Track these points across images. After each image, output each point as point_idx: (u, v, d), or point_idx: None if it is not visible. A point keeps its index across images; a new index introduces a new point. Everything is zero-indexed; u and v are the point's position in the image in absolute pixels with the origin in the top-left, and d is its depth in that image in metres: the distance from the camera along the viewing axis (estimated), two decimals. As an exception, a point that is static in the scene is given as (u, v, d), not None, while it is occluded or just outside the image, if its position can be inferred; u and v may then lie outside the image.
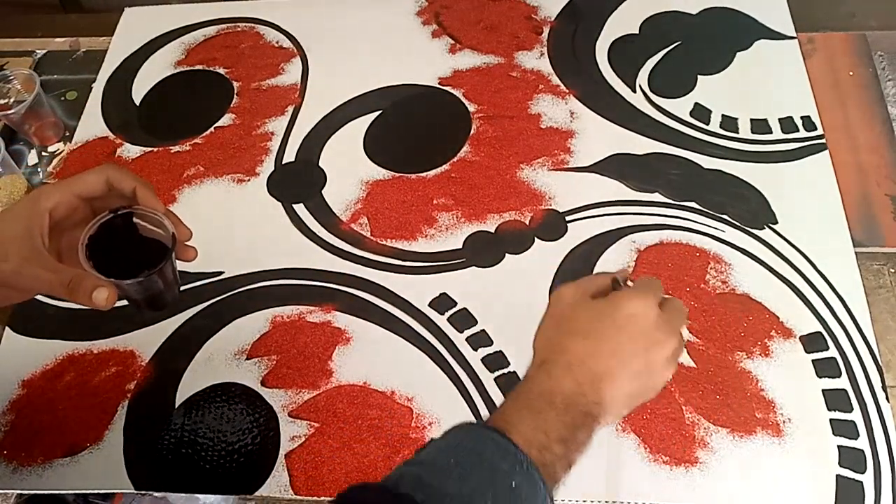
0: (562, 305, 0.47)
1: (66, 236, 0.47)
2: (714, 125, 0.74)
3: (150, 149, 0.79)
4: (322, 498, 0.57)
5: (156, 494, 0.59)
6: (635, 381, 0.44)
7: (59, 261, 0.45)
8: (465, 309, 0.64)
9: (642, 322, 0.44)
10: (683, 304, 0.46)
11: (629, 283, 0.49)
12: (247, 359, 0.64)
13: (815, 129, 0.73)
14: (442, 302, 0.65)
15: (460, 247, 0.68)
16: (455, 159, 0.74)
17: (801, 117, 0.74)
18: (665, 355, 0.44)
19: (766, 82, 0.77)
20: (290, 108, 0.81)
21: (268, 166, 0.76)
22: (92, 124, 0.82)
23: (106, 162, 0.77)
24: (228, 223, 0.72)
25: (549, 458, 0.40)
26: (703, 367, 0.60)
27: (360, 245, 0.69)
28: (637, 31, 0.83)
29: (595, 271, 0.66)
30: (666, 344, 0.44)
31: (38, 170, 0.79)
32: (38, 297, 0.66)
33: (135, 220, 0.48)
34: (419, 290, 0.66)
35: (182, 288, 0.67)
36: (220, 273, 0.69)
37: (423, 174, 0.74)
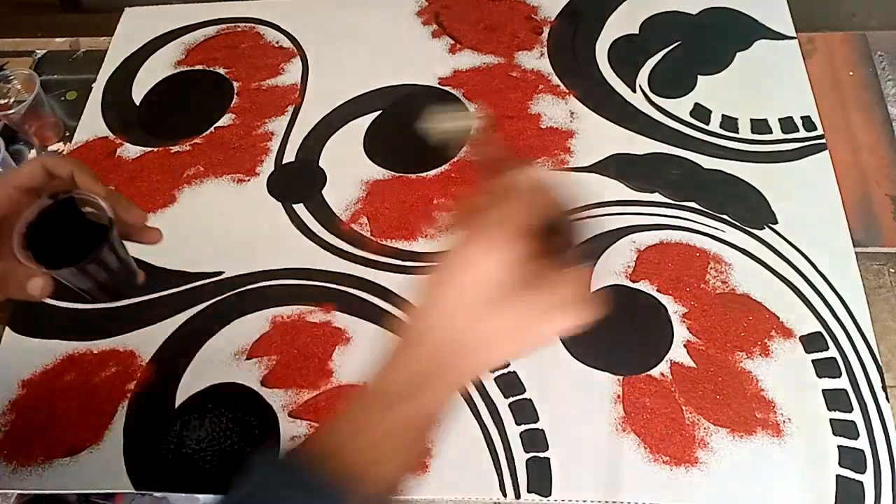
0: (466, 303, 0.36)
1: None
2: (714, 125, 0.74)
3: (150, 149, 0.79)
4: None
5: (156, 494, 0.59)
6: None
7: (6, 259, 0.42)
8: (465, 309, 0.64)
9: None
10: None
11: None
12: (247, 359, 0.64)
13: (815, 129, 0.73)
14: (442, 302, 0.65)
15: (460, 247, 0.68)
16: (455, 159, 0.74)
17: (801, 117, 0.74)
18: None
19: (766, 82, 0.77)
20: (291, 108, 0.81)
21: (268, 166, 0.76)
22: (92, 124, 0.81)
23: (104, 162, 0.77)
24: (228, 223, 0.72)
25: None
26: (703, 367, 0.60)
27: (361, 245, 0.69)
28: (637, 32, 0.83)
29: (595, 271, 0.66)
30: None
31: (38, 170, 0.79)
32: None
33: (79, 206, 0.44)
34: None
35: (182, 288, 0.67)
36: (221, 273, 0.69)
37: (424, 174, 0.74)
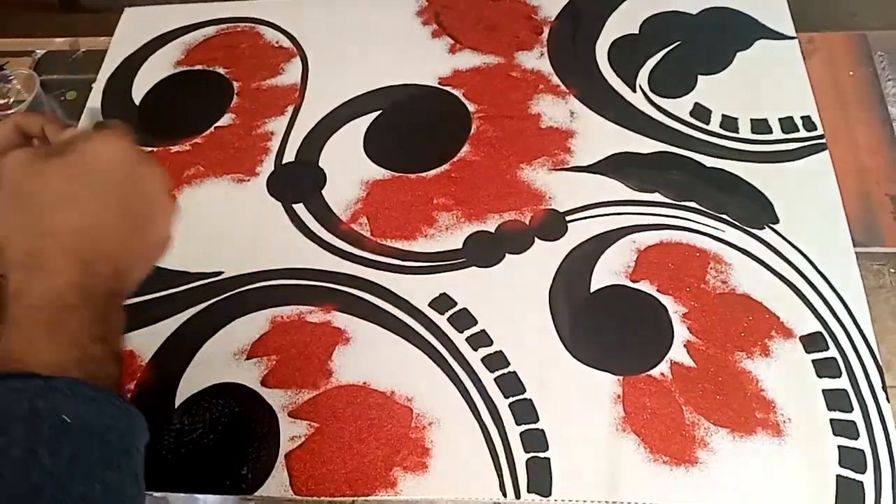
0: (16, 179, 0.38)
1: None
2: (714, 125, 0.74)
3: (149, 148, 0.79)
4: (322, 498, 0.57)
5: (156, 494, 0.59)
6: (144, 231, 0.41)
7: None
8: (465, 309, 0.64)
9: (128, 164, 0.40)
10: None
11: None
12: (247, 359, 0.64)
13: (816, 128, 0.73)
14: (442, 302, 0.65)
15: (460, 247, 0.68)
16: (455, 159, 0.74)
17: (802, 117, 0.74)
18: (160, 185, 0.42)
19: (766, 82, 0.77)
20: (290, 108, 0.81)
21: (268, 166, 0.76)
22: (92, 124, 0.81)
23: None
24: (228, 223, 0.72)
25: (93, 367, 0.35)
26: (703, 367, 0.60)
27: (360, 245, 0.69)
28: (637, 31, 0.83)
29: (595, 271, 0.66)
30: (156, 173, 0.42)
31: (38, 170, 0.79)
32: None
33: None
34: (419, 290, 0.66)
35: (182, 288, 0.67)
36: (220, 273, 0.69)
37: (423, 174, 0.74)
